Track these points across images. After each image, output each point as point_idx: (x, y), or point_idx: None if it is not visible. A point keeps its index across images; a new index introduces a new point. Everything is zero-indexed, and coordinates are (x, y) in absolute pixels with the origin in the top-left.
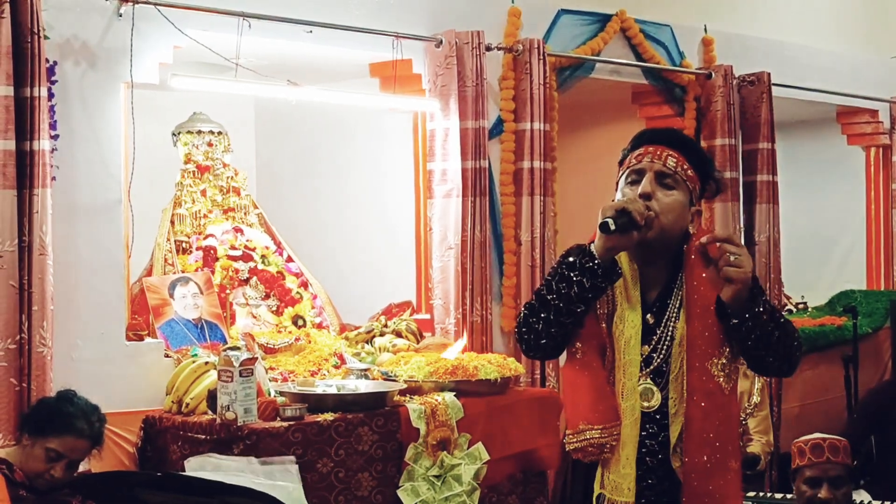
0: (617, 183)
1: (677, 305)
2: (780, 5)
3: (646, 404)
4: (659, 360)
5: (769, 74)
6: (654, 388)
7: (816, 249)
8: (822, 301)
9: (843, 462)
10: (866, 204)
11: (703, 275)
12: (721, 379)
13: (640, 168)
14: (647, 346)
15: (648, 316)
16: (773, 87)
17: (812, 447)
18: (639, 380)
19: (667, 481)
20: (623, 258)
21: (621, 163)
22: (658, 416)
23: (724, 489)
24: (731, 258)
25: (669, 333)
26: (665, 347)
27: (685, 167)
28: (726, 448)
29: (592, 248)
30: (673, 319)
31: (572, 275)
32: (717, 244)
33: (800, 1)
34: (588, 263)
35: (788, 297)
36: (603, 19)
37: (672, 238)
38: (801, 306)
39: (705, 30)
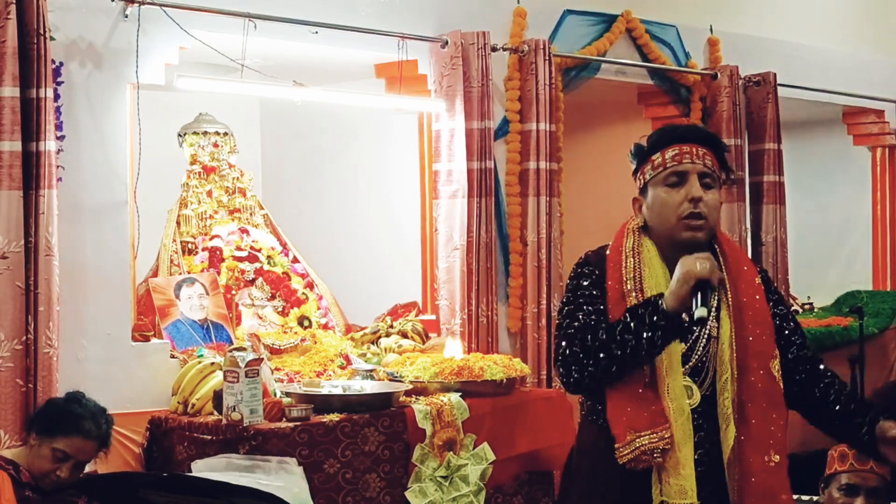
0: (642, 181)
1: (715, 305)
2: (785, 6)
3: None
4: (695, 359)
5: (775, 75)
6: (694, 386)
7: (822, 250)
8: (828, 301)
9: (882, 474)
10: (872, 204)
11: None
12: (780, 379)
13: (682, 170)
14: (683, 345)
15: (683, 315)
16: (779, 88)
17: (857, 454)
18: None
19: (710, 483)
20: (654, 255)
21: (642, 160)
22: (694, 416)
23: (780, 486)
24: None
25: (707, 331)
26: (702, 346)
27: (715, 165)
28: (783, 445)
29: (663, 304)
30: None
31: (642, 330)
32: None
33: (806, 1)
34: (661, 321)
35: (794, 298)
36: (608, 20)
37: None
38: (807, 307)
39: (711, 30)
